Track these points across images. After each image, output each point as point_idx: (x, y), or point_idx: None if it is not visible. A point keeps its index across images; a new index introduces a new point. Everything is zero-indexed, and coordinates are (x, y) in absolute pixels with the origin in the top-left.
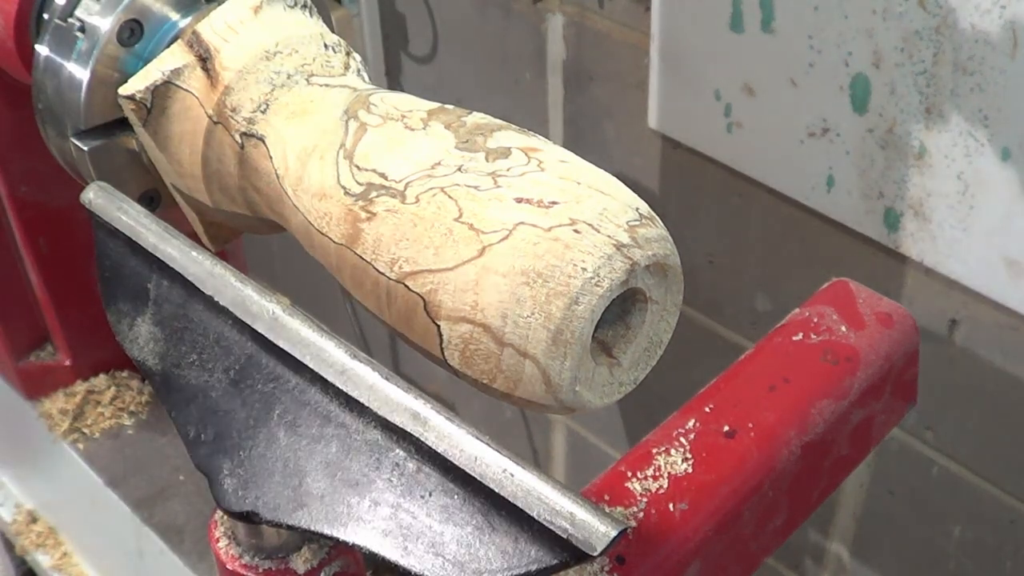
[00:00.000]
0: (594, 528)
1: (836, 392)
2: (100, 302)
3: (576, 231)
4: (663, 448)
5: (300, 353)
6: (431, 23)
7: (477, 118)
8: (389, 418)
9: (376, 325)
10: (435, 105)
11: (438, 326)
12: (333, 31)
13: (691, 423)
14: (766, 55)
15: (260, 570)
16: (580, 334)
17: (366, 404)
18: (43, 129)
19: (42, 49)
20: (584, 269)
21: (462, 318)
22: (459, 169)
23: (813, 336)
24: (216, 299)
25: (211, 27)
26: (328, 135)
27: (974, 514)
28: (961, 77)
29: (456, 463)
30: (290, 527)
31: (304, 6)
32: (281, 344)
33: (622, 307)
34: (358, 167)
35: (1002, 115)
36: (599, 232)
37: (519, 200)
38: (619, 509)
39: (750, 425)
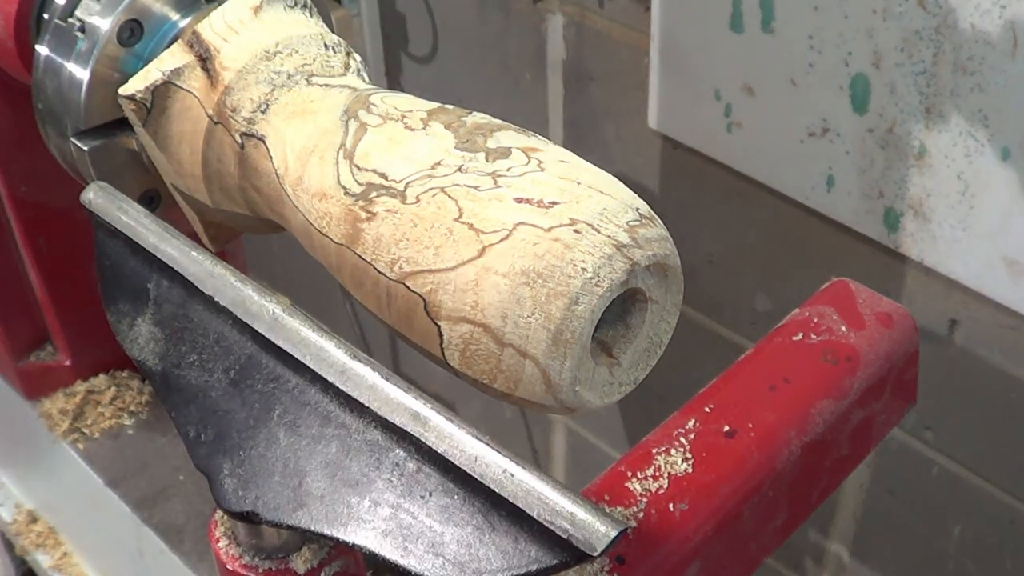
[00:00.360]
0: (594, 528)
1: (836, 392)
2: (100, 302)
3: (576, 231)
4: (663, 448)
5: (300, 353)
6: (431, 23)
7: (477, 118)
8: (389, 418)
9: (376, 325)
10: (435, 105)
11: (438, 326)
12: (333, 31)
13: (691, 423)
14: (766, 55)
15: (260, 570)
16: (580, 334)
17: (366, 404)
18: (43, 129)
19: (42, 49)
20: (584, 269)
21: (462, 318)
22: (459, 169)
23: (813, 336)
24: (216, 299)
25: (211, 27)
26: (328, 135)
27: (974, 514)
28: (961, 77)
29: (456, 463)
30: (290, 527)
31: (304, 6)
32: (281, 344)
33: (622, 307)
34: (358, 167)
35: (1002, 115)
36: (599, 232)
37: (519, 200)
38: (619, 509)
39: (750, 425)
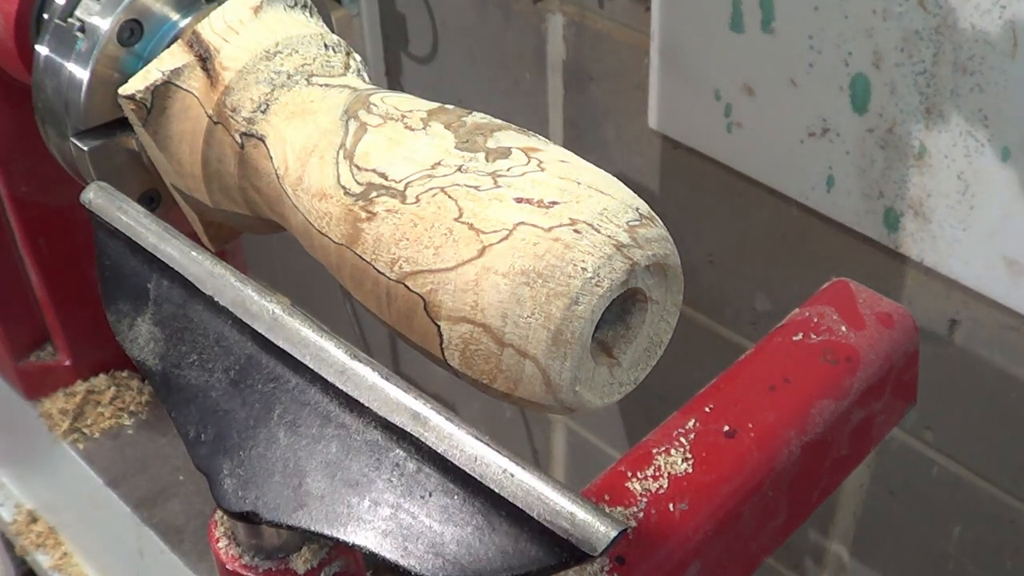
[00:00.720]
0: (594, 528)
1: (836, 392)
2: (100, 302)
3: (576, 231)
4: (663, 448)
5: (300, 353)
6: (431, 23)
7: (477, 118)
8: (389, 418)
9: (376, 325)
10: (435, 105)
11: (438, 326)
12: (333, 31)
13: (691, 423)
14: (766, 55)
15: (260, 570)
16: (580, 334)
17: (366, 404)
18: (43, 129)
19: (42, 49)
20: (584, 269)
21: (462, 318)
22: (459, 169)
23: (813, 336)
24: (216, 299)
25: (211, 27)
26: (328, 135)
27: (974, 514)
28: (961, 77)
29: (456, 463)
30: (290, 527)
31: (304, 6)
32: (281, 344)
33: (622, 307)
34: (358, 167)
35: (1002, 115)
36: (599, 232)
37: (519, 200)
38: (619, 509)
39: (750, 425)
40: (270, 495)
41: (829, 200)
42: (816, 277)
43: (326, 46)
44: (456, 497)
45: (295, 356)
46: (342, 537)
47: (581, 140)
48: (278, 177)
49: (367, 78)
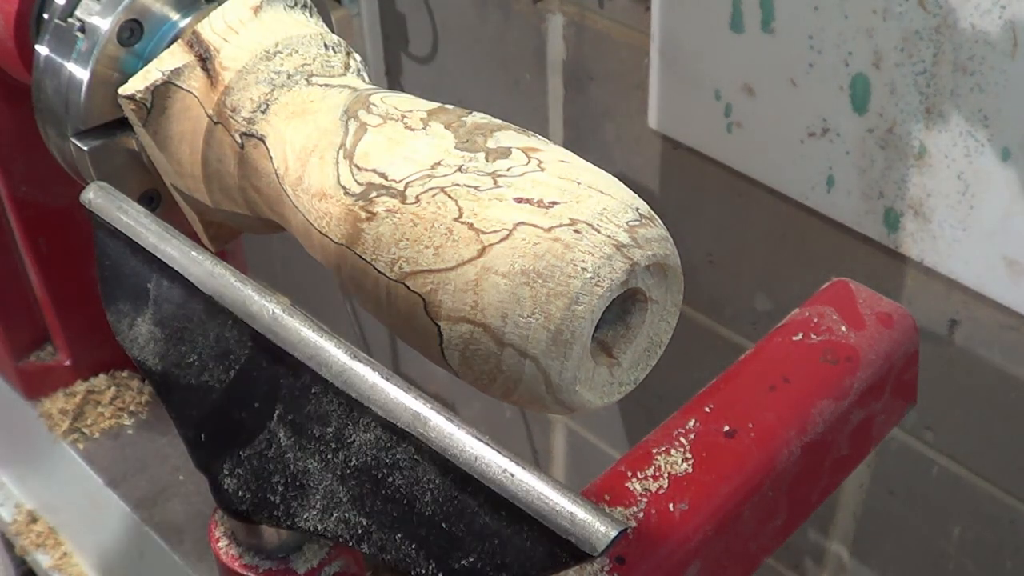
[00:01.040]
0: (594, 528)
1: (836, 392)
2: (100, 302)
3: (576, 231)
4: (663, 448)
5: (300, 353)
6: (431, 23)
7: (477, 118)
8: (389, 418)
9: (376, 325)
10: (435, 105)
11: (438, 326)
12: (333, 31)
13: (691, 423)
14: (766, 55)
15: (260, 570)
16: (580, 334)
17: (366, 404)
18: (43, 129)
19: (42, 49)
20: (584, 269)
21: (462, 318)
22: (459, 169)
23: (813, 336)
24: (216, 299)
25: (211, 27)
26: (328, 135)
27: (974, 514)
28: (961, 77)
29: (456, 463)
30: (290, 527)
31: (304, 6)
32: (281, 344)
33: (622, 307)
34: (358, 167)
35: (1002, 115)
36: (599, 232)
37: (519, 200)
38: (619, 509)
39: (750, 425)
40: (270, 495)
41: (829, 200)
42: (816, 277)
43: (326, 46)
44: (456, 497)
45: (295, 356)
46: (342, 537)
47: (581, 140)
48: (278, 177)
49: (367, 78)
